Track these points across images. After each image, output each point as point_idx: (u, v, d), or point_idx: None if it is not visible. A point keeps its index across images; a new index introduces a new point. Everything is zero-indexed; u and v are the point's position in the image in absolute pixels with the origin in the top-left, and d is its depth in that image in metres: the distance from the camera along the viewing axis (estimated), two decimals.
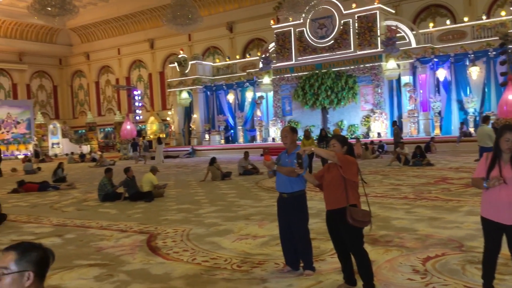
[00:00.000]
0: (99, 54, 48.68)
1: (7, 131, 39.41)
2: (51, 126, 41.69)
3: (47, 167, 23.96)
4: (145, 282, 4.83)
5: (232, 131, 33.41)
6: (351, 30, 26.91)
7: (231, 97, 32.77)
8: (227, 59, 35.70)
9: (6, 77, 46.95)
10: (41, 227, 8.30)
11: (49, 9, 20.17)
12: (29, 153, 37.21)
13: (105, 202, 10.90)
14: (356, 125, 26.75)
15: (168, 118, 38.03)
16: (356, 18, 26.69)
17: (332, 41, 27.56)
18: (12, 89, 47.33)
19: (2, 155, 22.60)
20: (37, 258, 2.02)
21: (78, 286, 4.81)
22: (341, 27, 27.22)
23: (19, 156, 35.78)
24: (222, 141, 32.40)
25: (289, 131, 4.86)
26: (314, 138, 18.46)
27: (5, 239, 7.39)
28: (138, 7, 42.64)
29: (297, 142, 5.09)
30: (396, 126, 20.52)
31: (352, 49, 26.87)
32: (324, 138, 15.16)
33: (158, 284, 4.75)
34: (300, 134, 15.51)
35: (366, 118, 26.39)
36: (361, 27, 26.55)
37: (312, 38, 28.26)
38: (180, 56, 34.61)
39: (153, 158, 26.60)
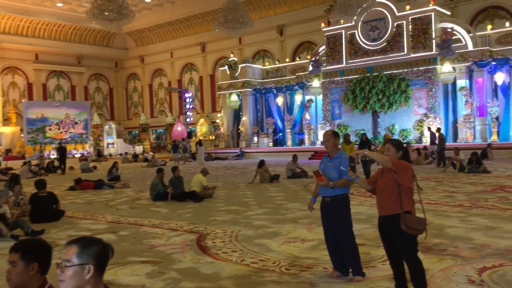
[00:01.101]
0: (153, 57, 50.08)
1: (66, 131, 41.27)
2: (106, 127, 43.26)
3: (102, 166, 24.87)
4: (195, 280, 4.91)
5: (280, 134, 33.43)
6: (405, 32, 26.28)
7: (280, 100, 32.80)
8: (277, 62, 35.79)
9: (65, 79, 49.17)
10: (96, 224, 8.63)
11: (107, 14, 20.96)
12: (86, 152, 38.79)
13: (156, 201, 11.18)
14: (408, 130, 26.07)
15: (217, 120, 38.57)
16: (410, 20, 26.04)
17: (385, 44, 27.01)
18: (71, 90, 49.52)
19: (66, 154, 23.78)
20: (97, 252, 2.10)
21: (131, 282, 4.96)
22: (394, 30, 26.64)
23: (76, 155, 37.35)
24: (271, 143, 32.47)
25: (331, 135, 4.84)
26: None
27: (63, 234, 7.74)
28: (190, 12, 43.56)
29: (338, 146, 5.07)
30: (441, 132, 19.94)
31: (406, 52, 26.23)
32: (365, 143, 14.52)
33: (207, 283, 4.83)
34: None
35: (419, 123, 25.67)
36: (415, 29, 25.87)
37: (364, 40, 27.83)
38: (230, 59, 35.03)
39: (194, 158, 27.65)
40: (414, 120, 26.02)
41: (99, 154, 35.07)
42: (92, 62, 50.48)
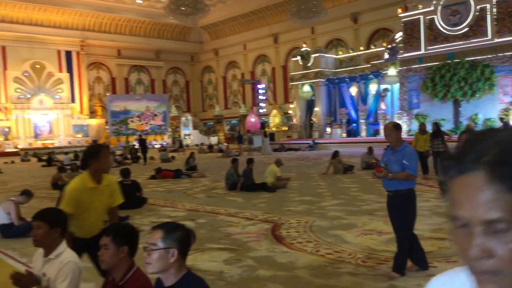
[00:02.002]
0: (226, 50, 50.93)
1: (146, 123, 43.34)
2: (183, 119, 44.78)
3: (180, 156, 25.82)
4: (271, 269, 5.00)
5: (354, 124, 32.80)
6: (488, 16, 24.65)
7: (353, 90, 32.13)
8: (351, 51, 35.01)
9: (145, 73, 51.38)
10: (176, 211, 9.01)
11: (183, 8, 21.66)
12: (165, 143, 40.42)
13: (231, 191, 11.44)
14: (492, 119, 24.54)
15: (290, 111, 38.55)
16: (494, 2, 24.38)
17: (467, 29, 25.53)
18: (151, 84, 51.71)
19: (147, 145, 25.06)
20: (181, 237, 2.22)
21: (209, 268, 5.15)
22: (477, 13, 25.07)
23: (156, 146, 39.05)
24: (344, 134, 31.98)
25: (393, 129, 4.64)
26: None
27: (146, 220, 8.17)
28: (263, 3, 43.73)
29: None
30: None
31: (490, 37, 24.63)
32: (437, 134, 13.27)
33: (283, 272, 4.89)
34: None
35: (505, 112, 24.04)
36: (500, 12, 24.18)
37: (444, 26, 26.46)
38: (303, 49, 34.78)
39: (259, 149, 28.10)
40: (499, 109, 24.41)
41: (181, 145, 36.47)
42: (169, 56, 52.30)
